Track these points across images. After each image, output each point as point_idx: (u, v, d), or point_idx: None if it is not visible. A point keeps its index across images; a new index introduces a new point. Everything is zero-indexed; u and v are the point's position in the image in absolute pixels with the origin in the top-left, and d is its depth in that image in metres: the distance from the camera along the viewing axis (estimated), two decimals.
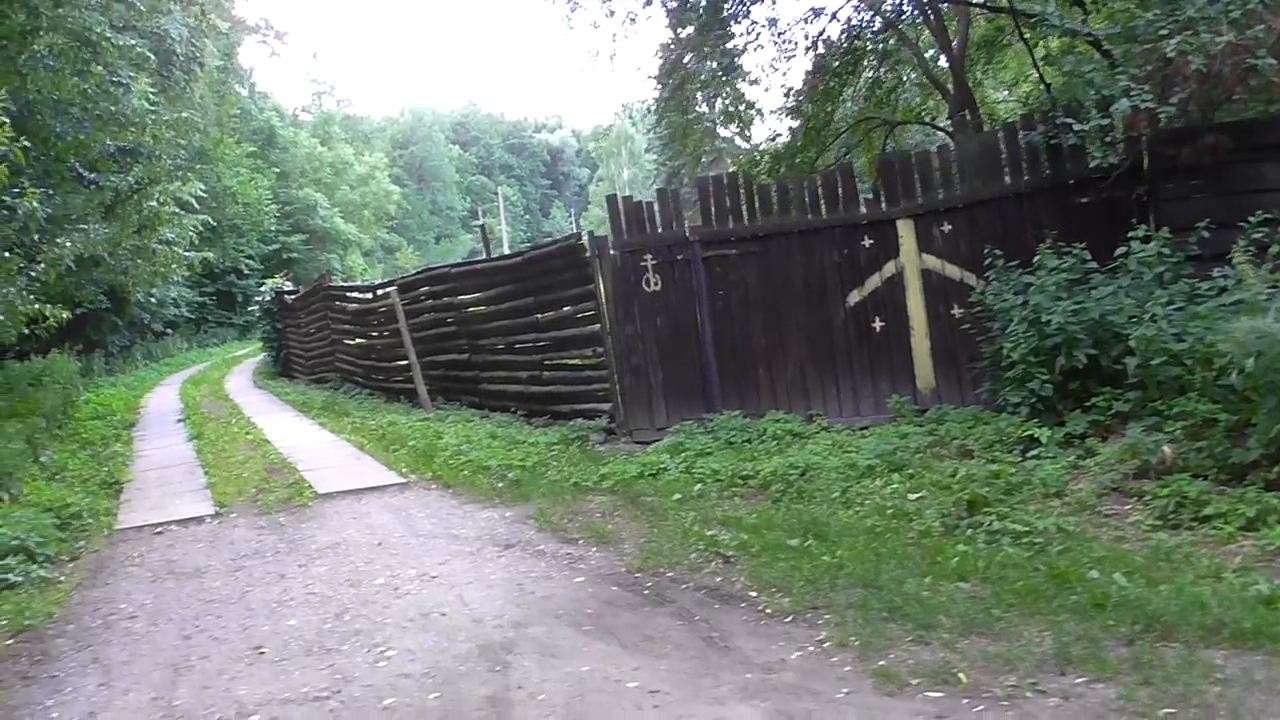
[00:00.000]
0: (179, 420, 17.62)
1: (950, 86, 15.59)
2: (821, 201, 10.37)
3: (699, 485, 8.39)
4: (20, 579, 7.29)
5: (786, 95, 20.29)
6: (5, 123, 7.74)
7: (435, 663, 5.14)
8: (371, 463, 11.03)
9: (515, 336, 13.35)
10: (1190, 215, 8.04)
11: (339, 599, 6.40)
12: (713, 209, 10.78)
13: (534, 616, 5.71)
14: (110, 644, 5.99)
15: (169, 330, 36.14)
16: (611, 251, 11.20)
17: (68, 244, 10.55)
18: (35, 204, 9.31)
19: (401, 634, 5.64)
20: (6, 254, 9.01)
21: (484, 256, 16.04)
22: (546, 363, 12.74)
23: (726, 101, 21.71)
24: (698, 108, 23.36)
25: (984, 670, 4.26)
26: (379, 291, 18.09)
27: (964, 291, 9.64)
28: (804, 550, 6.26)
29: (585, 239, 11.51)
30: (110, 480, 11.24)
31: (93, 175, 15.28)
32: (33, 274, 9.83)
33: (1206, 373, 6.57)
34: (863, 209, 10.25)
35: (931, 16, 14.98)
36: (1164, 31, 7.68)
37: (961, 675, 4.21)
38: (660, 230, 10.97)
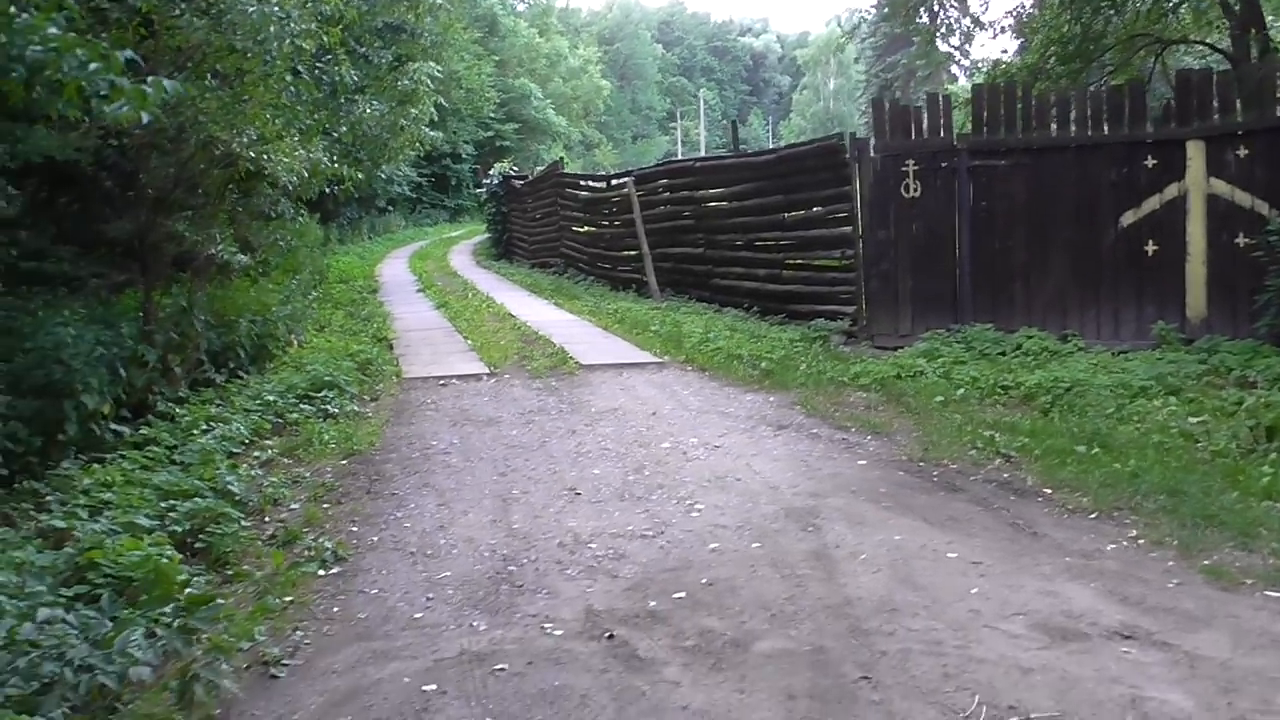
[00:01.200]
0: (418, 290, 18.69)
1: (1234, 3, 14.57)
2: (1105, 117, 10.05)
3: (960, 390, 8.47)
4: (336, 410, 8.12)
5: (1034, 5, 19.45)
6: None
7: (745, 519, 5.50)
8: (622, 342, 11.52)
9: (756, 234, 13.53)
10: None
11: (632, 456, 6.86)
12: (984, 118, 10.59)
13: (828, 490, 6.01)
14: (434, 473, 6.63)
15: (390, 207, 37.89)
16: (872, 155, 11.17)
17: (367, 109, 11.32)
18: (346, 71, 10.04)
19: (703, 491, 6.03)
20: (316, 115, 9.74)
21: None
22: (788, 262, 12.89)
23: (954, 14, 21.10)
24: (920, 19, 22.57)
25: None
26: (613, 182, 18.51)
27: (1254, 220, 9.25)
28: (1091, 457, 6.31)
29: (846, 140, 11.50)
30: (380, 336, 12.14)
31: (362, 49, 16.10)
32: (335, 134, 10.62)
33: None
34: (1149, 127, 9.87)
35: None
36: None
37: None
38: (925, 136, 10.86)
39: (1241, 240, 9.35)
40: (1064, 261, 10.29)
